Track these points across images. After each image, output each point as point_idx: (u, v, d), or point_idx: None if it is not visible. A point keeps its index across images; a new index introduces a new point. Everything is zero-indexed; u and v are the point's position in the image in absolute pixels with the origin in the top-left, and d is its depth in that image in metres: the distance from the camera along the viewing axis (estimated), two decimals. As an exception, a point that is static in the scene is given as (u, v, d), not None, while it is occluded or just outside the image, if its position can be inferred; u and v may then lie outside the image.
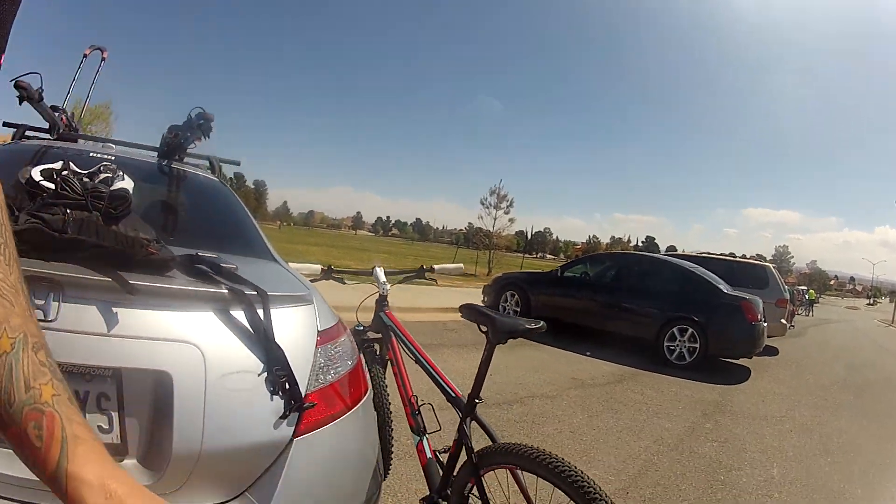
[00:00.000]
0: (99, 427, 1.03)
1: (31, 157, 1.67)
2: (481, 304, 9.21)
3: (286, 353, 1.13)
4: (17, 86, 2.03)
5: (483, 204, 26.60)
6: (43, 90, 2.11)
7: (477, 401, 1.57)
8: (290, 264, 1.68)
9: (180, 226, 1.82)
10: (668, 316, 6.88)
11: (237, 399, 1.09)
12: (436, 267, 1.93)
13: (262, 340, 1.11)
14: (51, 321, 0.97)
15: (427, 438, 1.78)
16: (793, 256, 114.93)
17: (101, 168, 1.32)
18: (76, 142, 2.25)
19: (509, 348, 7.06)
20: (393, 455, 2.28)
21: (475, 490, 1.53)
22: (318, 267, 1.88)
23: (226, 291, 1.11)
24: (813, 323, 20.94)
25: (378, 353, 2.13)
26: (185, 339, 1.05)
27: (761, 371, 6.97)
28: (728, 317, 6.68)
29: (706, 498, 2.69)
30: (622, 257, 10.31)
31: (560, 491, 1.28)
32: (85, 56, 3.33)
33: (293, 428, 1.14)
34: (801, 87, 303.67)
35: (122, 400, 1.03)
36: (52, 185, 1.15)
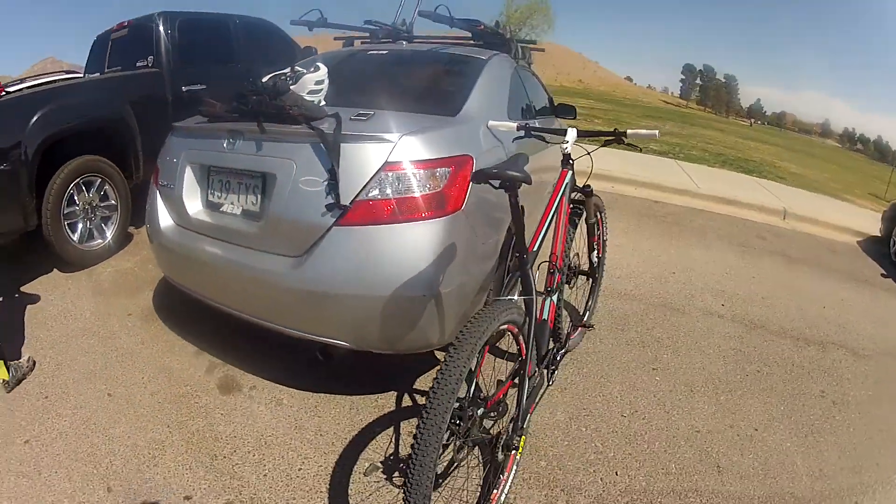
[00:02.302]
0: (251, 202, 1.99)
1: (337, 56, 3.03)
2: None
3: (352, 171, 1.77)
4: (295, 23, 3.14)
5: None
6: (325, 18, 3.17)
7: (516, 254, 1.61)
8: (490, 122, 2.16)
9: (390, 90, 2.49)
10: None
11: (308, 193, 1.82)
12: (629, 132, 1.99)
13: (330, 161, 1.78)
14: (237, 149, 2.03)
15: (549, 300, 1.80)
16: None
17: (310, 68, 2.18)
18: (406, 41, 3.23)
19: (868, 286, 4.62)
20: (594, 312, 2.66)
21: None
22: (515, 125, 2.10)
23: (314, 132, 1.83)
24: None
25: (580, 212, 2.31)
26: (288, 156, 1.90)
27: None
28: None
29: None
30: None
31: None
32: None
33: (335, 219, 1.78)
34: None
35: (265, 189, 1.95)
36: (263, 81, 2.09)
